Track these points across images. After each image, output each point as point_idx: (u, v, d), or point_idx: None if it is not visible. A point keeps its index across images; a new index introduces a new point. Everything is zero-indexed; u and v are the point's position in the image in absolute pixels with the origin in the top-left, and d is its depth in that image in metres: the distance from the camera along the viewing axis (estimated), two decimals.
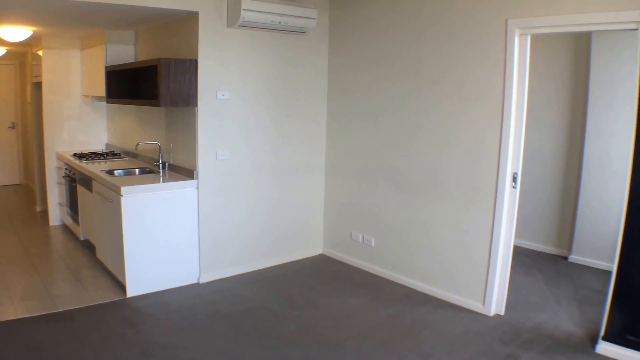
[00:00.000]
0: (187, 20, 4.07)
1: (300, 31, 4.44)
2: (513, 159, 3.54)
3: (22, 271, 4.37)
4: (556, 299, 4.04)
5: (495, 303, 3.72)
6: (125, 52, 5.11)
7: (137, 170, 4.67)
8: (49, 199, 5.88)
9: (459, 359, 3.12)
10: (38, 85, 6.14)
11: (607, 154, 4.70)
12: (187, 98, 4.00)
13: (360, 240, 4.70)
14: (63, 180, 5.56)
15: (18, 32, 4.84)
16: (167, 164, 4.54)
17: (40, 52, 5.74)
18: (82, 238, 5.11)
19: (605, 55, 4.64)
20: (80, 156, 5.31)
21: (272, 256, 4.74)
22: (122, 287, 3.99)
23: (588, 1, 3.06)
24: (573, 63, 4.99)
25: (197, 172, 4.14)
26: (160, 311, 3.70)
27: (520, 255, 4.97)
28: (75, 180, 5.08)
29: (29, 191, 7.75)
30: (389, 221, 4.41)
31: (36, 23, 4.61)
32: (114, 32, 5.02)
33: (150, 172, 4.59)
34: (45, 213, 6.09)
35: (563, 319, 3.68)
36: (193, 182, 4.14)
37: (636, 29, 2.89)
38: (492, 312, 3.72)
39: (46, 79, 5.69)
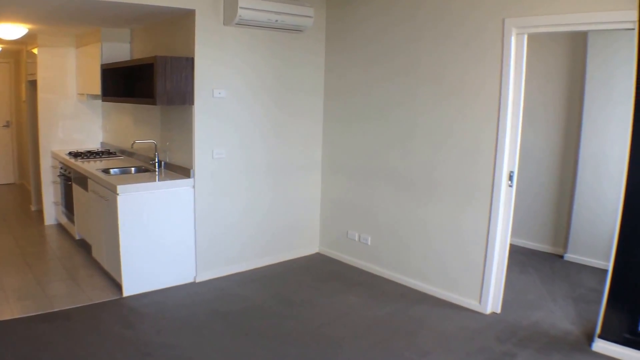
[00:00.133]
0: (184, 18, 4.05)
1: (297, 30, 4.43)
2: (509, 157, 3.55)
3: (18, 271, 4.34)
4: (552, 297, 4.05)
5: (492, 301, 3.73)
6: (121, 50, 5.09)
7: (133, 169, 4.65)
8: (44, 198, 5.85)
9: (456, 357, 3.13)
10: (33, 84, 6.09)
11: (603, 152, 4.72)
12: (183, 96, 3.99)
13: (356, 238, 4.70)
14: (58, 179, 5.53)
15: (14, 30, 4.81)
16: (163, 162, 4.52)
17: (35, 50, 5.71)
18: (77, 237, 5.08)
19: (602, 54, 4.65)
20: (76, 155, 5.28)
21: (268, 255, 4.73)
22: (118, 287, 3.98)
23: (585, 1, 3.07)
24: (569, 62, 5.00)
25: (194, 171, 4.13)
26: (156, 310, 3.69)
27: (516, 254, 4.98)
28: (70, 179, 5.06)
29: (24, 190, 7.71)
30: (385, 220, 4.41)
31: (32, 21, 4.59)
32: (109, 29, 5.00)
33: (146, 170, 4.57)
34: (40, 212, 6.06)
35: (559, 317, 3.69)
36: (189, 181, 4.13)
37: (633, 29, 2.90)
38: (488, 310, 3.73)
39: (41, 77, 5.66)
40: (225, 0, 4.00)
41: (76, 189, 4.88)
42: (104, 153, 5.50)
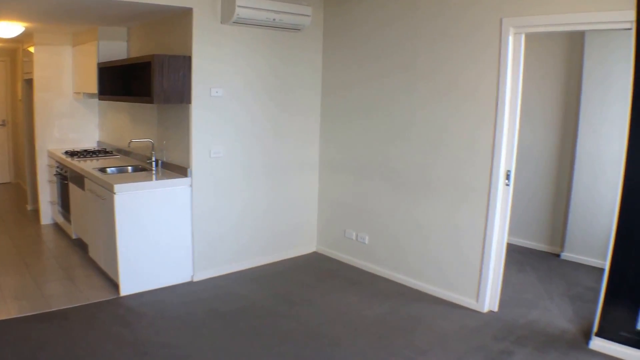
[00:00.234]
0: (181, 17, 4.04)
1: (295, 28, 4.42)
2: (506, 156, 3.56)
3: (14, 271, 4.32)
4: (549, 296, 4.07)
5: (489, 300, 3.74)
6: (118, 49, 5.07)
7: (129, 168, 4.64)
8: (40, 198, 5.83)
9: (453, 355, 3.14)
10: (29, 82, 6.07)
11: (600, 151, 4.73)
12: (180, 95, 3.98)
13: (354, 237, 4.71)
14: (54, 179, 5.51)
15: (10, 28, 4.79)
16: (160, 161, 4.51)
17: (31, 49, 5.68)
18: (74, 237, 5.07)
19: (599, 54, 4.67)
20: (72, 154, 5.26)
21: (266, 254, 4.73)
22: (115, 286, 3.96)
23: (582, 1, 3.08)
24: (566, 62, 5.02)
25: (191, 170, 4.12)
26: (154, 309, 3.68)
27: (513, 253, 4.99)
28: (66, 179, 5.04)
29: (20, 190, 7.68)
30: (383, 219, 4.42)
31: (29, 19, 4.56)
32: (106, 28, 4.98)
33: (143, 169, 4.56)
34: (36, 212, 6.04)
35: (556, 315, 3.71)
36: (186, 180, 4.12)
37: (630, 29, 2.91)
38: (485, 309, 3.74)
39: (37, 76, 5.63)
40: None
41: (73, 188, 4.86)
42: (101, 152, 5.48)
